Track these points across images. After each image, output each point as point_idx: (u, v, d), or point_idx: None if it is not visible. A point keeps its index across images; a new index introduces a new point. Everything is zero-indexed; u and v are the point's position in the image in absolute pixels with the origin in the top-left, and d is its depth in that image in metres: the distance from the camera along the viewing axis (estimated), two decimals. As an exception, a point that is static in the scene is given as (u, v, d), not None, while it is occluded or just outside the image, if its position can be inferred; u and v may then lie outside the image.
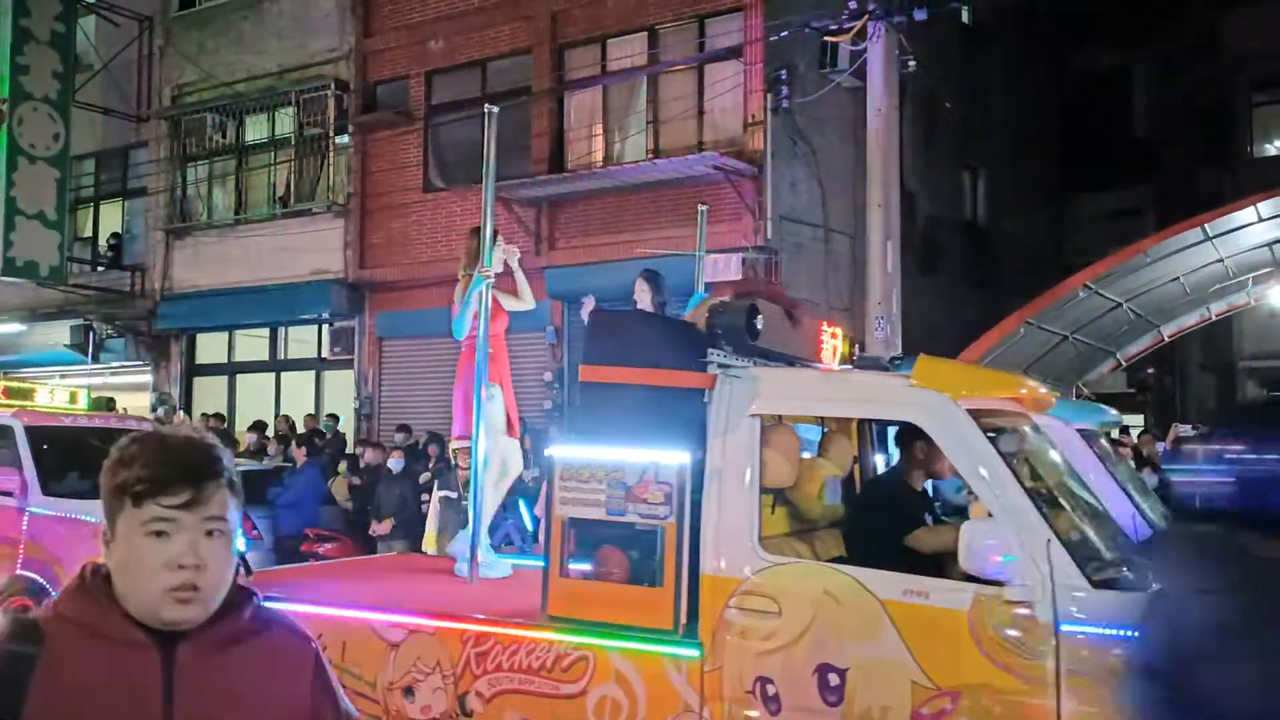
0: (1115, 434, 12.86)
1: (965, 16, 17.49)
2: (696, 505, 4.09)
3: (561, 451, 4.34)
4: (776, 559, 4.09)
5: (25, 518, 8.58)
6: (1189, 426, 10.54)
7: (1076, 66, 22.51)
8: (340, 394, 16.90)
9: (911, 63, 12.57)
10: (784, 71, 13.49)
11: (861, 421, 5.37)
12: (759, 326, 4.34)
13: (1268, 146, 22.59)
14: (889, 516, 4.50)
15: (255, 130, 18.19)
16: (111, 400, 10.78)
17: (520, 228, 15.17)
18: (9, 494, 8.65)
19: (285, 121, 17.68)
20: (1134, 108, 23.29)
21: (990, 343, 11.69)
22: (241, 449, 14.36)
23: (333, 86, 17.00)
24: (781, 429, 4.49)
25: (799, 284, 13.88)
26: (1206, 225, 12.68)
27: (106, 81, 19.22)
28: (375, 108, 16.92)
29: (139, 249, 19.60)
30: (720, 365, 4.34)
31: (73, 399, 10.53)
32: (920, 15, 12.16)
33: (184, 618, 1.67)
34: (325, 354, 17.42)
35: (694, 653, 3.98)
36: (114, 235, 20.04)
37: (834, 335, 5.14)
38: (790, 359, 4.79)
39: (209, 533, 1.68)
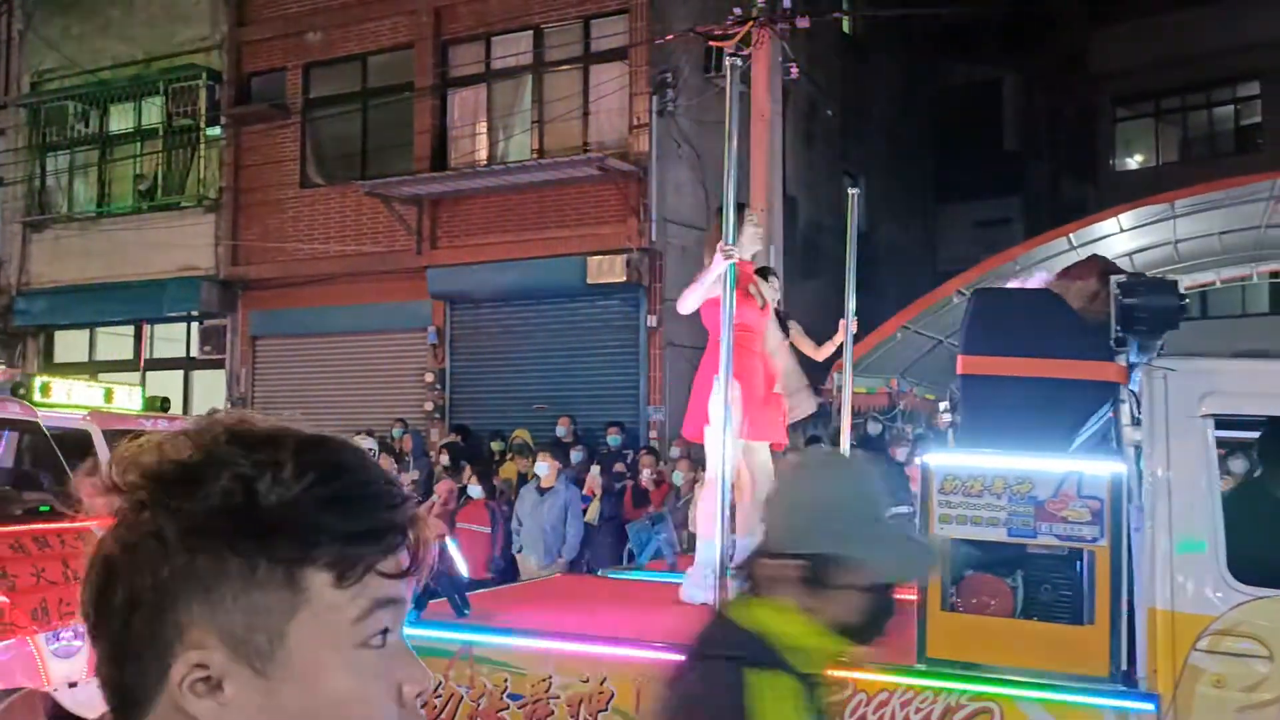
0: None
1: (846, 27, 17.90)
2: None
3: (942, 459, 3.57)
4: (1259, 591, 3.32)
5: None
6: None
7: (950, 79, 23.21)
8: (210, 395, 16.31)
9: (794, 70, 12.75)
10: (669, 75, 13.54)
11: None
12: (1186, 309, 3.68)
13: (1129, 160, 23.68)
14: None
15: (120, 120, 17.47)
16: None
17: (401, 225, 14.88)
18: None
19: (153, 111, 17.01)
20: (1004, 120, 24.13)
21: (869, 346, 11.90)
22: (103, 452, 13.75)
23: (204, 77, 16.41)
24: None
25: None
26: (1071, 235, 13.19)
27: (-42, 64, 18.21)
28: (249, 100, 16.39)
29: (-7, 242, 18.61)
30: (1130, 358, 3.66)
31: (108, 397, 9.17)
32: (803, 24, 12.34)
33: None
34: (195, 353, 16.82)
35: (1148, 706, 3.26)
36: (-35, 227, 19.00)
37: None
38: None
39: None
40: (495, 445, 12.94)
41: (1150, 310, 3.54)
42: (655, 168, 13.53)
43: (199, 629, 0.79)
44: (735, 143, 4.69)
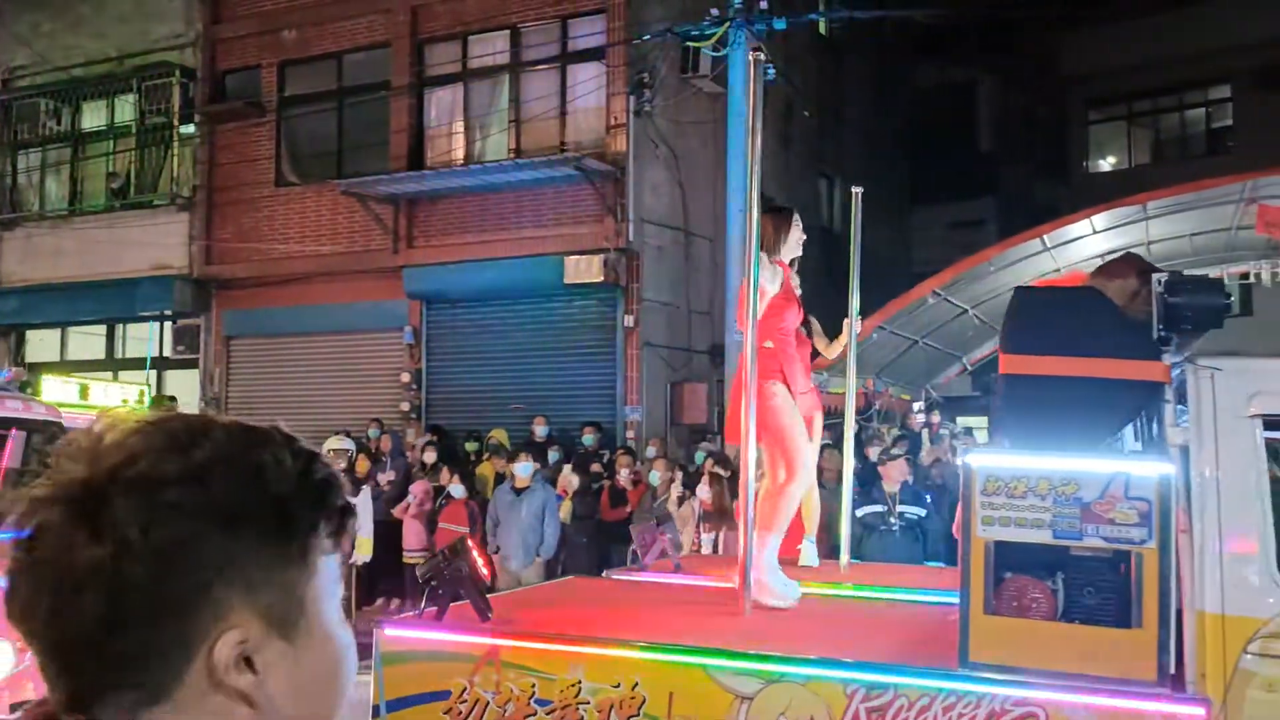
0: (959, 433, 13.36)
1: (822, 29, 17.96)
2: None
3: (985, 460, 3.45)
4: None
5: None
6: None
7: (925, 81, 23.34)
8: (184, 395, 16.19)
9: (771, 71, 12.79)
10: (646, 75, 13.55)
11: None
12: (1231, 307, 3.58)
13: (1101, 162, 23.88)
14: None
15: (93, 117, 17.32)
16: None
17: (377, 225, 14.83)
18: None
19: (126, 109, 16.88)
20: (978, 122, 24.28)
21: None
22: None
23: (178, 74, 16.29)
24: None
25: (659, 286, 13.96)
26: (1045, 236, 13.30)
27: (-73, 60, 18.00)
28: (224, 97, 16.29)
29: (-38, 240, 18.40)
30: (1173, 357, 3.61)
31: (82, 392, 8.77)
32: (780, 25, 12.39)
33: None
34: (168, 353, 16.69)
35: (1198, 710, 3.18)
36: (-66, 225, 18.77)
37: None
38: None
39: None
40: (470, 445, 12.92)
41: (1196, 309, 3.51)
42: (632, 168, 13.53)
43: (237, 612, 0.84)
44: (759, 140, 4.62)
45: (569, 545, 10.11)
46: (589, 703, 3.63)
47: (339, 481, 0.93)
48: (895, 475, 8.59)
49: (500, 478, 10.86)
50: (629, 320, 13.52)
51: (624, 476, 10.69)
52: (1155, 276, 3.61)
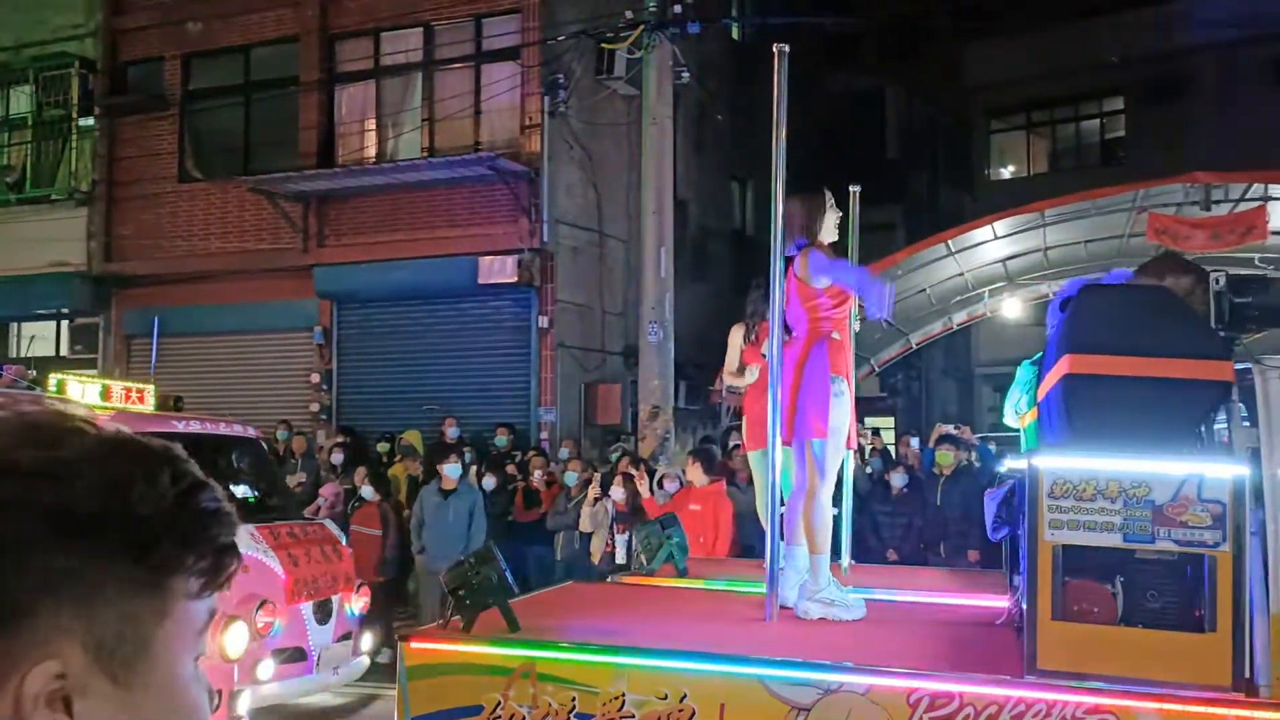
0: (866, 433, 13.64)
1: (735, 34, 18.18)
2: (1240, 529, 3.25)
3: (1052, 462, 3.35)
4: None
5: None
6: (951, 426, 11.39)
7: (835, 88, 23.73)
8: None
9: (685, 74, 12.93)
10: (561, 75, 13.57)
11: None
12: None
13: (1002, 170, 24.58)
14: None
15: (-14, 108, 16.73)
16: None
17: (286, 223, 14.58)
18: None
19: (22, 100, 16.32)
20: (886, 129, 24.77)
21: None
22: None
23: (77, 65, 15.81)
24: None
25: (574, 287, 13.98)
26: (949, 241, 13.70)
27: None
28: (125, 90, 15.85)
29: None
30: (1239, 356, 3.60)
31: (73, 389, 8.27)
32: (693, 29, 12.52)
33: None
34: (65, 353, 16.17)
35: (1275, 715, 3.16)
36: None
37: None
38: None
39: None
40: (381, 447, 12.78)
41: (1263, 308, 3.51)
42: (547, 168, 13.53)
43: (62, 636, 0.72)
44: (784, 131, 4.52)
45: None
46: (633, 716, 3.49)
47: (227, 518, 0.80)
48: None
49: (414, 480, 10.79)
50: (543, 321, 13.52)
51: (538, 478, 10.69)
52: (1214, 275, 3.61)
